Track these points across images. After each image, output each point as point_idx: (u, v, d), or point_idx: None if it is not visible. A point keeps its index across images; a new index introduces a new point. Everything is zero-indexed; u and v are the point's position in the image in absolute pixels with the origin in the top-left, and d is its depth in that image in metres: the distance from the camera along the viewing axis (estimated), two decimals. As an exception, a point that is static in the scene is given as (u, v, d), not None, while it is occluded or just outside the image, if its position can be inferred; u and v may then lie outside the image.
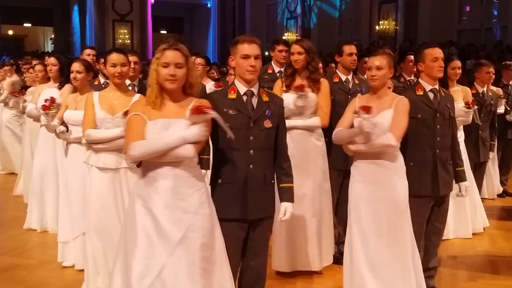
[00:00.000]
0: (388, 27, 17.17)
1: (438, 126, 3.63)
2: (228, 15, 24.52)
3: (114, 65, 3.60)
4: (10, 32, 26.74)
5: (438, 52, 3.65)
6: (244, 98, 2.97)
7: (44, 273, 4.36)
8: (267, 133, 2.98)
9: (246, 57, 2.91)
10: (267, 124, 2.97)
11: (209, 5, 24.86)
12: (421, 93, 3.66)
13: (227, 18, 24.55)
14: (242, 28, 23.71)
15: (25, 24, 26.01)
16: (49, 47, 25.83)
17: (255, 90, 3.00)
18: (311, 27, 21.07)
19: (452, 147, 3.76)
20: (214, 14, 24.67)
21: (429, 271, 3.85)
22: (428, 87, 3.68)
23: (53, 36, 26.24)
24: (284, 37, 20.74)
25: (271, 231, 3.23)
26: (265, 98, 3.02)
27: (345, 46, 4.48)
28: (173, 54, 2.64)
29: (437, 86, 3.71)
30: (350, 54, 4.43)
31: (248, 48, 2.91)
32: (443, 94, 3.73)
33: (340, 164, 4.24)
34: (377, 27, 17.47)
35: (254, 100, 2.99)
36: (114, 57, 3.63)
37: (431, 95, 3.67)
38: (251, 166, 2.94)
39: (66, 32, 23.48)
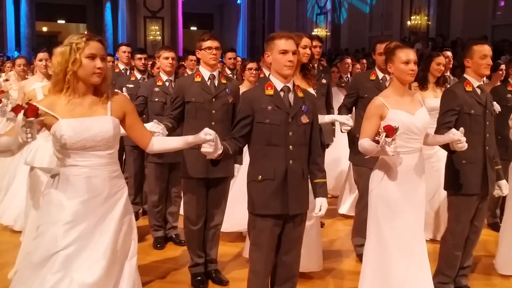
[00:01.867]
0: (420, 22, 16.94)
1: (487, 122, 3.60)
2: (257, 11, 24.57)
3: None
4: (45, 29, 27.34)
5: (487, 50, 3.56)
6: (281, 94, 2.98)
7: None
8: (305, 128, 3.00)
9: (285, 52, 2.91)
10: (304, 119, 2.99)
11: (238, 2, 24.95)
12: (470, 89, 3.59)
13: (256, 14, 24.61)
14: (271, 24, 23.73)
15: (59, 21, 26.56)
16: (82, 43, 26.28)
17: (291, 85, 3.01)
18: (341, 23, 20.95)
19: None
20: (243, 10, 24.76)
21: (463, 269, 3.83)
22: (475, 83, 3.62)
23: (86, 33, 26.72)
24: (314, 33, 20.69)
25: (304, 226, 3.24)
26: (300, 94, 3.04)
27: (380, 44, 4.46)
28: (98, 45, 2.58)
29: (482, 83, 3.70)
30: None
31: (286, 44, 2.92)
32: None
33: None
34: (408, 22, 17.26)
35: (291, 96, 3.00)
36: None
37: (478, 92, 3.62)
38: (291, 161, 2.96)
39: (99, 29, 23.88)
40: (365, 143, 3.18)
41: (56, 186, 2.58)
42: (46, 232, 2.54)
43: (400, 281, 3.22)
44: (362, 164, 4.18)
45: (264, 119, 2.94)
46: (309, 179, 3.10)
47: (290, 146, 2.96)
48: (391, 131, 2.89)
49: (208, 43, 3.83)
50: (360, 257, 4.16)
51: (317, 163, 3.10)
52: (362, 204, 4.30)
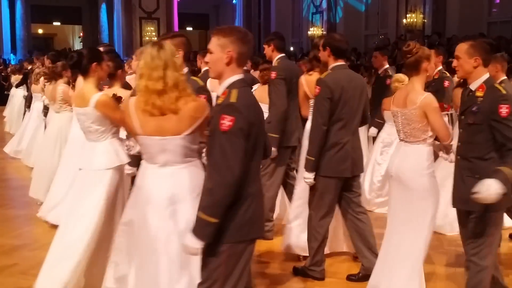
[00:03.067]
0: (415, 20, 16.92)
1: (460, 130, 3.28)
2: (253, 11, 24.54)
3: None
4: (40, 31, 27.28)
5: (455, 50, 3.26)
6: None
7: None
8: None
9: None
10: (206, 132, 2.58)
11: (234, 1, 24.93)
12: (465, 91, 3.34)
13: (252, 14, 24.58)
14: (267, 24, 23.69)
15: (54, 23, 26.50)
16: (78, 45, 26.26)
17: (220, 91, 2.53)
18: (337, 22, 20.93)
19: (500, 157, 3.07)
20: (239, 10, 24.72)
21: None
22: (471, 85, 3.22)
23: (81, 34, 26.67)
24: (309, 32, 20.67)
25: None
26: (219, 100, 2.50)
27: None
28: None
29: (471, 86, 3.20)
30: None
31: None
32: (476, 94, 3.15)
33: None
34: (404, 21, 17.24)
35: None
36: None
37: (467, 94, 3.26)
38: None
39: (95, 30, 23.83)
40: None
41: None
42: None
43: None
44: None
45: None
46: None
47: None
48: None
49: None
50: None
51: None
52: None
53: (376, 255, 3.87)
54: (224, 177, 2.32)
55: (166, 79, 2.65)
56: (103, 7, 22.99)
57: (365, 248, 4.05)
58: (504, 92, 3.09)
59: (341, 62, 3.94)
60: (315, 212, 3.99)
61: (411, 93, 3.37)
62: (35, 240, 5.10)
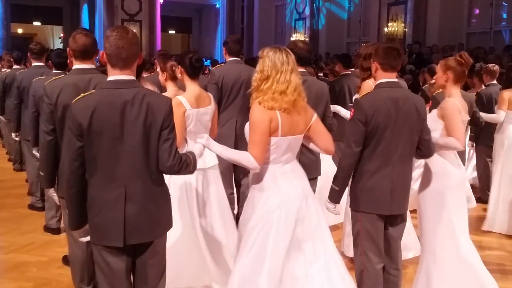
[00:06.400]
0: (397, 29, 17.13)
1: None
2: (236, 16, 24.56)
3: None
4: (20, 31, 26.89)
5: None
6: None
7: (54, 270, 4.40)
8: None
9: None
10: None
11: (217, 6, 24.92)
12: None
13: (235, 19, 24.60)
14: (250, 29, 23.74)
15: (34, 23, 26.15)
16: (58, 45, 25.96)
17: None
18: (320, 29, 21.08)
19: None
20: (222, 14, 24.72)
21: None
22: None
23: (62, 35, 26.37)
24: (292, 38, 20.75)
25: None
26: None
27: None
28: None
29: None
30: None
31: None
32: None
33: None
34: (385, 29, 17.44)
35: None
36: None
37: None
38: None
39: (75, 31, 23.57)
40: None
41: None
42: None
43: None
44: None
45: None
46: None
47: None
48: None
49: None
50: None
51: None
52: None
53: None
54: None
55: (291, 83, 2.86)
56: (85, 8, 22.79)
57: None
58: (360, 96, 3.29)
59: (300, 69, 4.02)
60: None
61: None
62: (10, 243, 5.03)
